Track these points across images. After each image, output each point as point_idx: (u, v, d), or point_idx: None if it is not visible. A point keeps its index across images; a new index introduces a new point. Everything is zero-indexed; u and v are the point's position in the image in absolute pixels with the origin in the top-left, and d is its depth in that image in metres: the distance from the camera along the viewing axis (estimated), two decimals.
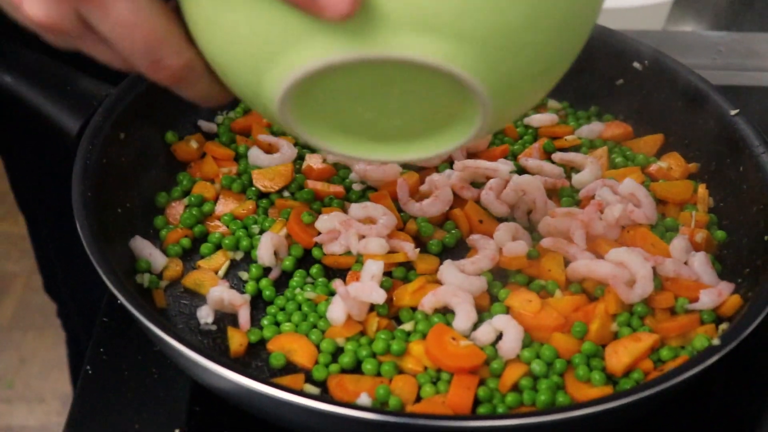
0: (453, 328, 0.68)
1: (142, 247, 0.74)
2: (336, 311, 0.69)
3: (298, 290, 0.72)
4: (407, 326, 0.70)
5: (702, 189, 0.80)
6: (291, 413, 0.58)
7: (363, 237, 0.74)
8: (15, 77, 0.76)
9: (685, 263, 0.73)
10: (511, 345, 0.67)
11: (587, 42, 0.85)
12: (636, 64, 0.86)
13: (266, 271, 0.74)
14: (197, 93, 0.53)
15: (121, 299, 0.62)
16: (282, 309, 0.71)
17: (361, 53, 0.44)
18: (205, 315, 0.70)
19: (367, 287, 0.69)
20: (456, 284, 0.70)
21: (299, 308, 0.71)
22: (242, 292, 0.72)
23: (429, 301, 0.70)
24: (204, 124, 0.85)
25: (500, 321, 0.68)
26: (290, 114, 0.49)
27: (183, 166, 0.82)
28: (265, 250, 0.73)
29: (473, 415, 0.63)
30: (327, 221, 0.75)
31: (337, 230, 0.74)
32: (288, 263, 0.74)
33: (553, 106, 0.90)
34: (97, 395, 0.68)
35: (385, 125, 0.51)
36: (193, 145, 0.82)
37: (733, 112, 0.79)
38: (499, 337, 0.68)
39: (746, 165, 0.76)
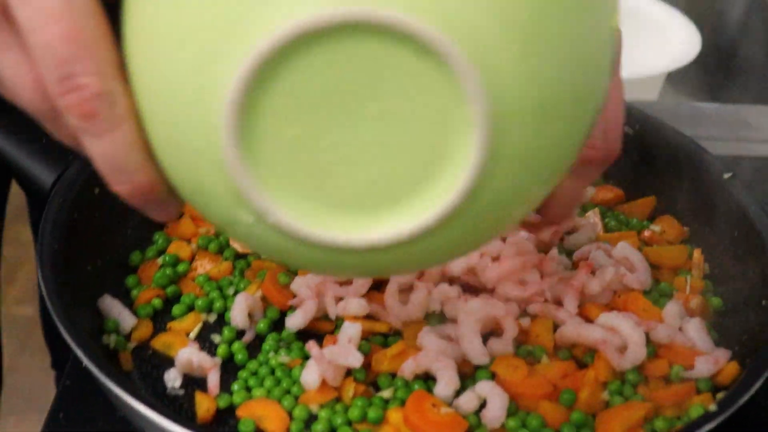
0: (434, 394, 0.65)
1: (111, 306, 0.70)
2: (310, 375, 0.65)
3: (271, 354, 0.68)
4: (386, 393, 0.66)
5: (697, 254, 0.77)
6: None
7: (341, 300, 0.70)
8: None
9: (680, 330, 0.69)
10: (495, 413, 0.63)
11: None
12: (626, 129, 0.83)
13: (240, 334, 0.71)
14: (112, 150, 0.39)
15: (83, 358, 0.58)
16: (254, 373, 0.67)
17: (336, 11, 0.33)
18: (173, 378, 0.66)
19: (343, 350, 0.65)
20: (437, 350, 0.67)
21: (272, 373, 0.67)
22: (213, 356, 0.68)
23: (409, 367, 0.66)
24: None
25: (484, 387, 0.64)
26: (239, 140, 0.36)
27: (159, 225, 0.79)
28: (239, 311, 0.70)
29: None
30: (303, 283, 0.71)
31: (313, 293, 0.71)
32: (262, 326, 0.70)
33: None
34: None
35: (353, 178, 0.37)
36: None
37: (726, 176, 0.76)
38: (483, 404, 0.64)
39: (741, 229, 0.74)
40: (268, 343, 0.69)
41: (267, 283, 0.72)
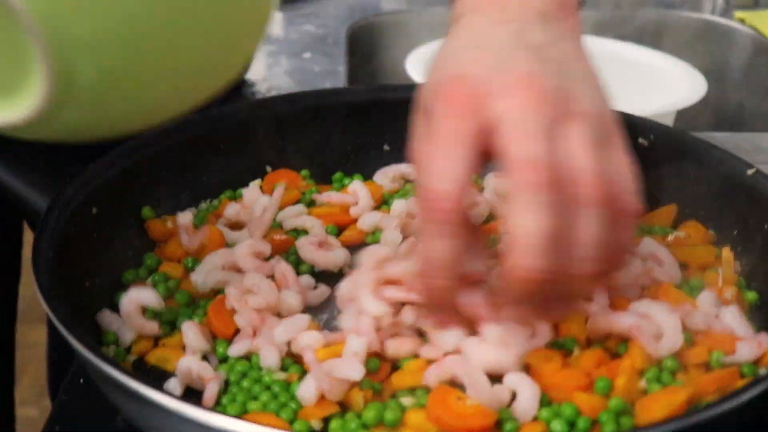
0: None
1: (111, 320, 0.66)
2: (306, 388, 0.59)
3: (265, 371, 0.63)
4: (405, 400, 0.60)
5: (726, 251, 0.73)
6: None
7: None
8: None
9: (717, 318, 0.65)
10: (527, 405, 0.58)
11: None
12: (642, 140, 0.81)
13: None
14: None
15: (87, 355, 0.53)
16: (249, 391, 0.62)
17: None
18: (173, 388, 0.62)
19: (344, 362, 0.60)
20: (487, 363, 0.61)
21: (268, 389, 0.61)
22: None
23: (434, 375, 0.60)
24: (182, 215, 0.78)
25: (514, 379, 0.60)
26: None
27: (151, 245, 0.76)
28: (192, 338, 0.64)
29: None
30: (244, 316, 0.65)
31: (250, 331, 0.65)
32: (222, 350, 0.65)
33: None
34: None
35: None
36: (169, 225, 0.76)
37: (750, 172, 0.73)
38: (514, 399, 0.59)
39: None
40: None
41: (211, 311, 0.67)
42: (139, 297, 0.67)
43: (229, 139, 0.82)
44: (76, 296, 0.65)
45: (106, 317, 0.66)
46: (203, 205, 0.81)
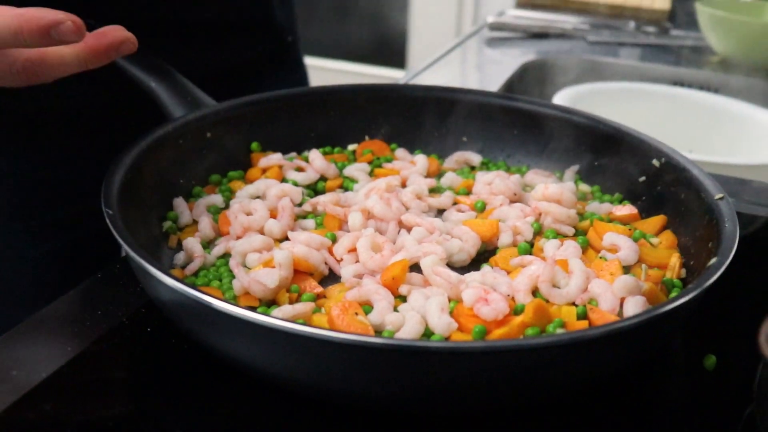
0: (367, 319, 0.65)
1: (178, 204, 0.80)
2: (235, 284, 0.69)
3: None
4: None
5: (675, 258, 0.73)
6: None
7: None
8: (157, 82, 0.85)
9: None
10: (404, 336, 0.63)
11: (617, 144, 0.84)
12: (654, 162, 0.82)
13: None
14: None
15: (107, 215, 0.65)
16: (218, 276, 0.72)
17: None
18: (179, 258, 0.74)
19: (264, 272, 0.68)
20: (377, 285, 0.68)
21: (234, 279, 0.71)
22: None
23: (353, 296, 0.67)
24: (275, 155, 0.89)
25: (409, 313, 0.65)
26: None
27: (242, 164, 0.88)
28: (204, 224, 0.77)
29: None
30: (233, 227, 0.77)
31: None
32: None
33: (583, 189, 0.87)
34: None
35: None
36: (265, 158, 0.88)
37: (717, 196, 0.72)
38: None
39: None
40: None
41: (221, 216, 0.79)
42: (211, 199, 0.81)
43: (341, 109, 0.94)
44: (161, 183, 0.79)
45: (179, 202, 0.80)
46: (305, 153, 0.91)
